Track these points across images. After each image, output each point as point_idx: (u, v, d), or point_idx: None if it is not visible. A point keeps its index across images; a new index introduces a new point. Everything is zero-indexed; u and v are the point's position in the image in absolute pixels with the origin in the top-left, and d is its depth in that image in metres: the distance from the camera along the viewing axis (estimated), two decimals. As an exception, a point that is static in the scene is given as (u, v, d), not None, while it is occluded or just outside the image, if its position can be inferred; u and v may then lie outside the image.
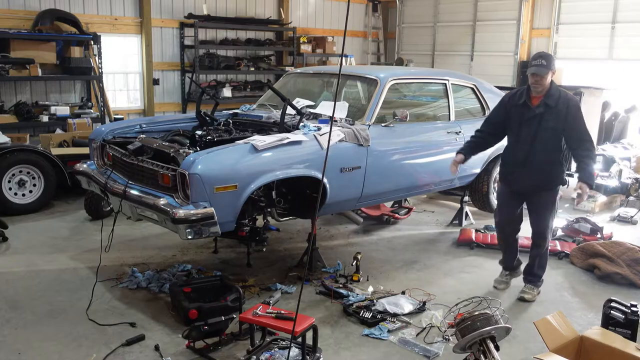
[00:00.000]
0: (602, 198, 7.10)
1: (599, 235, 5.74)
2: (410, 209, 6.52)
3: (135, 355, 3.45)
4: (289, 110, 4.72)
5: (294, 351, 3.35)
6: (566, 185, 4.36)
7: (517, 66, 10.46)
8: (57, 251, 5.17)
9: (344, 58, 10.26)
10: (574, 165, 7.68)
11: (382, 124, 4.82)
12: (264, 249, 4.90)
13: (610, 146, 8.16)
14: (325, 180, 4.25)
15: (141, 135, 4.72)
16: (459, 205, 6.40)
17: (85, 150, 6.11)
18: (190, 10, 9.32)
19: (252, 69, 10.02)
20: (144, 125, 5.01)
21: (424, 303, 4.18)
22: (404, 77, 5.27)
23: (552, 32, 10.19)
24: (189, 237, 3.70)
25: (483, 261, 5.16)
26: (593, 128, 7.28)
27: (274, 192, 4.27)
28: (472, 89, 5.96)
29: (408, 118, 4.77)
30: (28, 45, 7.42)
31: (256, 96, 8.74)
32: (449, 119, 5.57)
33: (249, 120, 5.12)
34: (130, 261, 4.94)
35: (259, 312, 3.32)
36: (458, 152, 4.51)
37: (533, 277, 4.42)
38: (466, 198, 6.27)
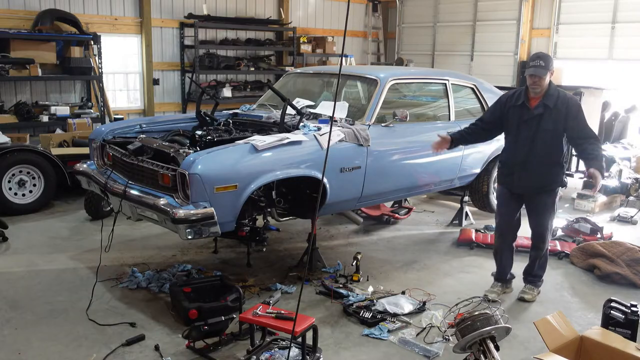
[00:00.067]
0: (602, 198, 7.10)
1: (599, 235, 5.74)
2: (410, 209, 6.52)
3: (135, 355, 3.45)
4: (289, 110, 4.72)
5: (294, 351, 3.35)
6: (565, 187, 4.34)
7: (517, 66, 10.46)
8: (57, 251, 5.17)
9: (344, 58, 10.26)
10: (573, 166, 7.81)
11: (382, 124, 4.82)
12: (264, 249, 4.90)
13: (610, 146, 8.16)
14: (325, 180, 4.26)
15: (141, 135, 4.73)
16: (459, 205, 6.40)
17: (85, 150, 6.11)
18: (190, 10, 9.32)
19: (252, 69, 10.02)
20: (144, 125, 5.01)
21: (424, 303, 4.18)
22: (404, 77, 5.27)
23: (552, 32, 10.19)
24: (189, 237, 3.70)
25: (483, 261, 5.16)
26: (593, 128, 7.26)
27: (274, 192, 4.27)
28: (472, 89, 5.96)
29: (408, 118, 4.77)
30: (28, 45, 7.42)
31: (256, 96, 8.74)
32: (449, 119, 5.57)
33: (249, 120, 5.12)
34: (130, 261, 4.94)
35: (259, 312, 3.32)
36: (450, 135, 4.44)
37: (533, 277, 4.42)
38: (466, 198, 6.27)
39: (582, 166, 7.88)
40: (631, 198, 7.20)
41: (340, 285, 4.48)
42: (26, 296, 4.22)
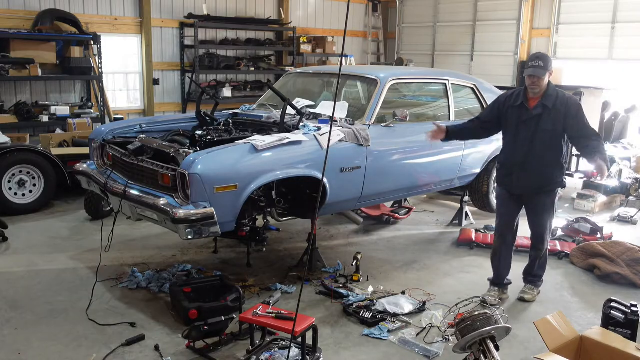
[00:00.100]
0: (602, 198, 7.10)
1: (599, 235, 5.74)
2: (410, 209, 6.52)
3: (135, 355, 3.45)
4: (289, 110, 4.72)
5: (294, 351, 3.35)
6: (564, 188, 4.33)
7: (517, 66, 10.46)
8: (57, 251, 5.17)
9: (344, 58, 10.26)
10: (573, 166, 7.81)
11: (382, 124, 4.82)
12: (264, 249, 4.90)
13: (610, 146, 8.16)
14: (325, 180, 4.26)
15: (141, 135, 4.73)
16: (459, 205, 6.40)
17: (85, 150, 6.11)
18: (190, 10, 9.32)
19: (252, 69, 10.02)
20: (144, 125, 5.01)
21: (424, 303, 4.18)
22: (404, 77, 5.27)
23: (552, 32, 10.19)
24: (189, 237, 3.70)
25: (483, 261, 5.15)
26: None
27: (274, 192, 4.27)
28: (472, 89, 5.96)
29: (408, 118, 4.77)
30: (28, 45, 7.42)
31: (256, 96, 8.74)
32: (449, 119, 5.57)
33: (249, 120, 5.13)
34: (130, 261, 4.94)
35: (259, 312, 3.32)
36: (446, 126, 4.41)
37: (533, 277, 4.41)
38: (466, 198, 6.27)
39: (582, 166, 7.91)
40: (631, 198, 7.20)
41: (340, 285, 4.48)
42: (26, 296, 4.22)
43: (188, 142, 4.47)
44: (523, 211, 4.32)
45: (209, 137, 4.34)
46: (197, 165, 3.68)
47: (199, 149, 4.13)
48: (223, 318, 3.54)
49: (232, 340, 3.60)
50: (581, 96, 7.14)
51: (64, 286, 4.41)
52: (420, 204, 7.14)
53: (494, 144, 5.63)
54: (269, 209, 4.33)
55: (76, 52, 7.83)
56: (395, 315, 3.98)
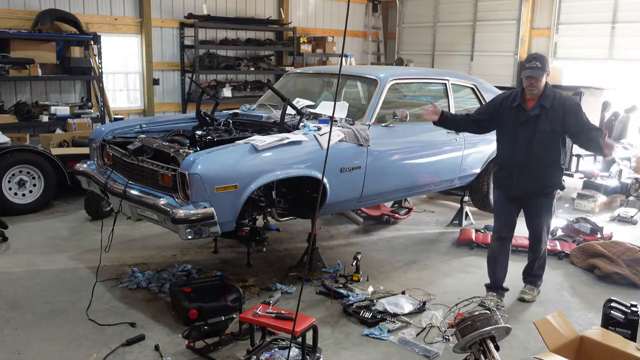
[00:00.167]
0: (602, 198, 7.10)
1: (599, 235, 5.74)
2: (410, 209, 6.52)
3: (135, 355, 3.45)
4: (289, 110, 4.72)
5: (294, 351, 3.35)
6: (563, 190, 4.30)
7: (517, 66, 10.46)
8: (57, 251, 5.17)
9: (344, 58, 10.26)
10: (573, 166, 7.81)
11: (382, 124, 4.82)
12: (264, 249, 4.90)
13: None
14: (325, 180, 4.25)
15: (141, 135, 4.73)
16: (459, 205, 6.40)
17: (85, 150, 6.11)
18: (190, 10, 9.32)
19: (252, 69, 10.02)
20: (144, 125, 5.01)
21: (424, 303, 4.18)
22: (404, 77, 5.27)
23: (552, 32, 10.19)
24: (189, 237, 3.70)
25: (483, 261, 5.12)
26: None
27: (274, 192, 4.27)
28: (472, 89, 5.96)
29: (408, 118, 4.77)
30: (28, 45, 7.42)
31: (256, 96, 8.74)
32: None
33: (249, 120, 5.12)
34: (130, 261, 4.94)
35: (259, 312, 3.32)
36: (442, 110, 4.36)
37: (533, 277, 4.41)
38: (466, 198, 6.27)
39: (582, 166, 7.92)
40: (631, 198, 7.20)
41: (340, 285, 4.48)
42: (26, 296, 4.22)
43: (188, 142, 4.47)
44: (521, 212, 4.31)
45: (209, 137, 4.34)
46: (197, 165, 3.68)
47: (199, 149, 4.13)
48: (223, 318, 3.54)
49: (232, 340, 3.60)
50: (581, 96, 7.15)
51: (64, 286, 4.41)
52: (420, 204, 7.14)
53: (493, 144, 5.59)
54: (269, 209, 4.33)
55: (76, 52, 7.83)
56: (395, 315, 3.98)
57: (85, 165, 4.87)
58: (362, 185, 4.62)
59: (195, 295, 3.95)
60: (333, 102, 3.88)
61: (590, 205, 6.95)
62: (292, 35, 10.52)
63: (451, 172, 5.55)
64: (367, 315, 3.92)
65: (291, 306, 4.01)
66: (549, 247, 5.26)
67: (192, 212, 3.65)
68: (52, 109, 7.69)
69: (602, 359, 3.14)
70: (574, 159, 7.77)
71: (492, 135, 4.50)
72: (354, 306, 4.08)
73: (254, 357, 3.29)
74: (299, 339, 3.21)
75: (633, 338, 3.47)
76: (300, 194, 4.44)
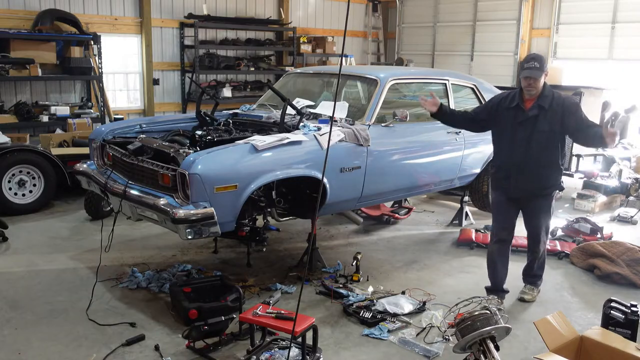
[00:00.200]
0: (602, 198, 7.10)
1: (599, 235, 5.74)
2: (410, 209, 6.52)
3: (135, 355, 3.45)
4: (289, 110, 4.72)
5: (294, 351, 3.35)
6: (562, 191, 4.28)
7: (517, 66, 10.46)
8: (57, 251, 5.17)
9: (344, 58, 10.26)
10: (573, 166, 7.81)
11: (382, 124, 4.82)
12: (264, 249, 4.90)
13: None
14: (325, 180, 4.25)
15: (141, 135, 4.73)
16: (459, 205, 6.40)
17: (85, 150, 6.12)
18: (190, 10, 9.32)
19: (252, 69, 10.02)
20: (144, 125, 5.01)
21: (424, 303, 4.18)
22: (404, 77, 5.27)
23: (552, 32, 10.19)
24: (189, 237, 3.70)
25: (483, 261, 5.12)
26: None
27: (274, 192, 4.27)
28: (472, 89, 5.97)
29: (408, 118, 4.77)
30: (28, 45, 7.42)
31: (256, 96, 8.74)
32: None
33: (249, 120, 5.12)
34: (130, 261, 4.94)
35: (259, 312, 3.32)
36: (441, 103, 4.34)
37: (533, 277, 4.40)
38: (466, 198, 6.27)
39: (582, 166, 7.91)
40: (631, 198, 7.20)
41: (340, 285, 4.48)
42: (26, 296, 4.22)
43: (188, 142, 4.47)
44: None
45: (209, 137, 4.34)
46: (197, 165, 3.68)
47: (199, 149, 4.13)
48: (223, 318, 3.54)
49: (232, 340, 3.60)
50: (581, 96, 7.15)
51: (64, 286, 4.41)
52: (420, 204, 7.14)
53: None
54: (269, 209, 4.33)
55: (76, 52, 7.83)
56: (395, 315, 3.98)
57: (85, 165, 4.87)
58: (362, 185, 4.62)
59: (195, 295, 3.95)
60: (333, 102, 3.87)
61: (590, 205, 6.95)
62: (292, 35, 10.52)
63: (451, 172, 5.55)
64: (367, 315, 3.92)
65: (291, 306, 4.01)
66: (548, 247, 5.27)
67: (192, 212, 3.65)
68: (52, 109, 7.69)
69: (602, 359, 3.14)
70: (574, 159, 7.77)
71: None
72: (354, 306, 4.08)
73: (254, 357, 3.29)
74: (299, 339, 3.21)
75: (633, 338, 3.47)
76: (300, 194, 4.44)
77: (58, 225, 5.93)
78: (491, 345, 2.98)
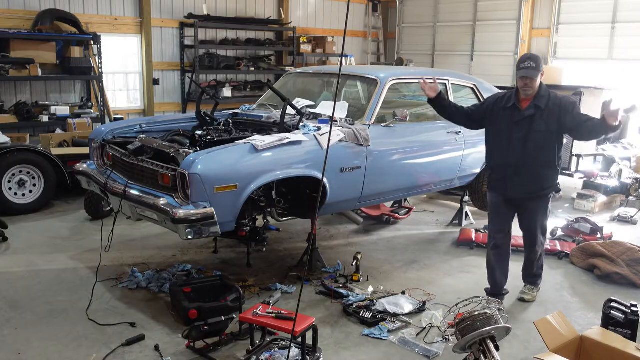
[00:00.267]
0: (602, 198, 7.10)
1: (599, 235, 5.74)
2: (410, 209, 6.52)
3: (135, 355, 3.45)
4: (289, 110, 4.72)
5: (294, 351, 3.35)
6: (559, 193, 4.26)
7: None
8: (57, 251, 5.17)
9: (344, 58, 10.26)
10: (573, 166, 7.80)
11: (382, 124, 4.82)
12: (264, 249, 4.90)
13: (610, 146, 8.16)
14: (325, 180, 4.25)
15: (141, 135, 4.73)
16: (459, 205, 6.40)
17: (85, 150, 6.12)
18: (190, 10, 9.32)
19: (252, 69, 10.02)
20: (144, 125, 5.01)
21: (424, 303, 4.18)
22: (404, 77, 5.26)
23: (552, 32, 10.19)
24: (189, 237, 3.70)
25: (483, 261, 5.12)
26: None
27: (274, 192, 4.27)
28: (472, 89, 5.97)
29: (408, 118, 4.76)
30: (28, 45, 7.42)
31: (256, 96, 8.74)
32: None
33: (249, 120, 5.12)
34: (130, 261, 4.94)
35: (259, 312, 3.32)
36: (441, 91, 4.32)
37: (533, 277, 4.39)
38: (466, 198, 6.27)
39: (582, 166, 7.91)
40: (631, 198, 7.20)
41: (340, 285, 4.48)
42: (26, 296, 4.22)
43: (188, 142, 4.47)
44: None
45: (209, 137, 4.34)
46: (197, 165, 3.68)
47: (199, 149, 4.13)
48: (223, 318, 3.54)
49: (232, 340, 3.60)
50: (581, 96, 7.15)
51: (64, 286, 4.41)
52: (420, 204, 7.14)
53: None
54: (269, 209, 4.33)
55: (76, 52, 7.83)
56: (395, 315, 3.98)
57: (85, 165, 4.87)
58: (362, 185, 4.62)
59: (195, 295, 3.95)
60: (333, 102, 3.87)
61: (590, 205, 6.95)
62: (292, 35, 10.52)
63: (451, 172, 5.55)
64: (367, 315, 3.92)
65: (291, 306, 4.01)
66: (548, 247, 5.29)
67: (192, 212, 3.65)
68: (52, 109, 7.69)
69: (602, 359, 3.14)
70: (574, 159, 7.76)
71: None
72: (354, 306, 4.08)
73: (254, 357, 3.29)
74: (299, 339, 3.21)
75: (633, 338, 3.47)
76: (300, 194, 4.44)
77: (58, 225, 5.93)
78: (491, 345, 2.98)
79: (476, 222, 6.31)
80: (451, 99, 5.60)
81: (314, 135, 4.30)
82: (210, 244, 5.32)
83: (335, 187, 4.38)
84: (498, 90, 6.16)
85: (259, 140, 4.02)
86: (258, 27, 10.25)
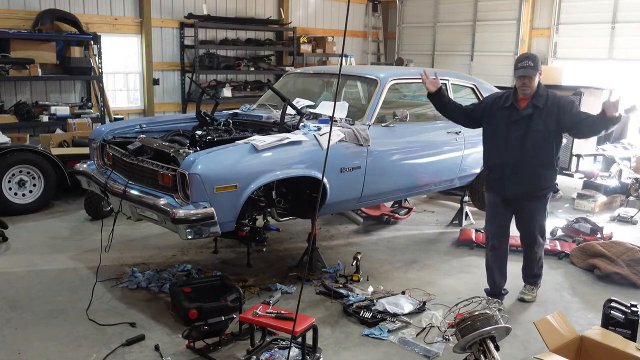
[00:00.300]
0: (602, 198, 7.10)
1: (599, 235, 5.74)
2: (410, 209, 6.52)
3: (135, 355, 3.45)
4: (289, 110, 4.72)
5: (294, 351, 3.35)
6: (557, 193, 4.24)
7: (517, 66, 10.43)
8: (57, 251, 5.17)
9: (344, 58, 10.26)
10: (573, 166, 7.80)
11: (382, 124, 4.82)
12: (264, 249, 4.90)
13: (610, 146, 8.16)
14: (325, 180, 4.25)
15: (141, 135, 4.73)
16: (459, 205, 6.40)
17: (85, 150, 6.12)
18: (190, 10, 9.32)
19: (252, 69, 10.02)
20: (144, 125, 5.01)
21: (424, 303, 4.18)
22: (404, 77, 5.26)
23: (552, 32, 10.19)
24: (189, 237, 3.70)
25: (483, 261, 5.11)
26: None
27: (274, 192, 4.27)
28: (472, 89, 5.97)
29: (408, 118, 4.76)
30: (28, 45, 7.42)
31: (256, 96, 8.74)
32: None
33: (249, 120, 5.13)
34: (130, 261, 4.94)
35: (259, 312, 3.32)
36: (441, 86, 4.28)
37: (533, 277, 4.39)
38: (466, 198, 6.27)
39: (582, 166, 7.90)
40: (631, 198, 7.20)
41: (340, 285, 4.48)
42: (26, 296, 4.22)
43: (188, 142, 4.47)
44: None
45: (209, 137, 4.34)
46: (197, 165, 3.68)
47: (199, 149, 4.13)
48: (223, 318, 3.54)
49: (232, 340, 3.60)
50: (581, 96, 7.15)
51: (64, 286, 4.41)
52: (420, 204, 7.14)
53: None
54: (269, 209, 4.33)
55: (76, 52, 7.83)
56: (395, 315, 3.98)
57: (85, 165, 4.87)
58: (362, 185, 4.62)
59: (195, 295, 3.95)
60: (333, 102, 3.87)
61: (590, 205, 6.95)
62: (292, 35, 10.52)
63: (451, 172, 5.55)
64: (367, 315, 3.92)
65: (291, 306, 4.01)
66: (548, 247, 5.29)
67: (192, 212, 3.65)
68: (52, 109, 7.69)
69: (602, 359, 3.14)
70: (574, 159, 7.76)
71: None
72: (354, 306, 4.08)
73: (254, 357, 3.29)
74: (299, 339, 3.21)
75: (633, 338, 3.47)
76: (300, 194, 4.44)
77: (58, 225, 5.93)
78: (491, 345, 2.98)
79: (476, 222, 6.31)
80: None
81: (314, 135, 4.30)
82: (210, 244, 5.32)
83: (335, 187, 4.38)
84: (498, 90, 6.16)
85: (259, 140, 4.02)
86: (258, 27, 10.25)
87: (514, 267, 4.47)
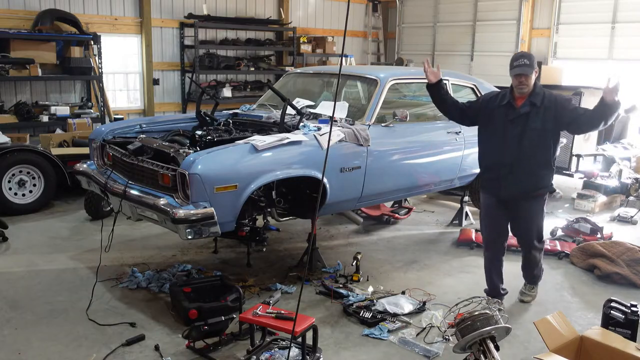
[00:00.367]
0: (602, 198, 7.10)
1: (599, 235, 5.74)
2: (410, 209, 6.52)
3: (135, 355, 3.45)
4: (289, 110, 4.72)
5: (294, 351, 3.35)
6: (555, 193, 4.22)
7: (517, 66, 10.42)
8: (57, 251, 5.17)
9: (344, 58, 10.26)
10: (573, 166, 7.80)
11: (382, 124, 4.82)
12: (264, 249, 4.90)
13: (610, 146, 8.16)
14: (325, 180, 4.25)
15: (141, 135, 4.73)
16: (459, 205, 6.40)
17: (85, 150, 6.12)
18: (190, 10, 9.32)
19: (252, 69, 10.02)
20: (144, 125, 5.01)
21: (424, 303, 4.18)
22: (404, 77, 5.26)
23: (552, 32, 10.19)
24: (189, 237, 3.70)
25: (482, 261, 5.14)
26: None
27: (274, 192, 4.27)
28: (472, 89, 5.98)
29: (408, 118, 4.76)
30: (28, 45, 7.42)
31: (256, 96, 8.74)
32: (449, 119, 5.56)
33: (249, 120, 5.13)
34: (130, 261, 4.94)
35: (259, 312, 3.32)
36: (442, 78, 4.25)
37: (532, 277, 4.38)
38: (466, 198, 6.27)
39: (582, 166, 7.91)
40: (631, 198, 7.20)
41: (340, 285, 4.48)
42: (26, 296, 4.22)
43: (188, 142, 4.47)
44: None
45: (209, 137, 4.34)
46: (197, 165, 3.68)
47: (199, 149, 4.13)
48: (223, 318, 3.54)
49: (232, 340, 3.60)
50: (581, 96, 7.14)
51: (64, 286, 4.41)
52: (420, 204, 7.14)
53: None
54: (269, 209, 4.33)
55: (76, 52, 7.83)
56: (395, 315, 3.98)
57: (85, 165, 4.87)
58: (362, 185, 4.62)
59: (195, 295, 3.95)
60: (333, 102, 3.87)
61: (590, 205, 6.95)
62: (292, 35, 10.52)
63: (451, 172, 5.55)
64: (367, 315, 3.92)
65: (291, 306, 4.01)
66: (548, 247, 5.29)
67: (192, 212, 3.65)
68: (52, 109, 7.69)
69: (602, 359, 3.14)
70: (574, 159, 7.76)
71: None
72: (354, 306, 4.08)
73: (254, 357, 3.29)
74: (299, 339, 3.21)
75: (633, 338, 3.47)
76: (300, 194, 4.44)
77: (58, 225, 5.93)
78: (491, 345, 2.98)
79: (476, 222, 6.29)
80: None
81: (314, 135, 4.30)
82: (210, 244, 5.32)
83: (335, 187, 4.38)
84: (498, 90, 6.15)
85: (259, 140, 4.02)
86: (258, 27, 10.25)
87: (514, 267, 4.47)
